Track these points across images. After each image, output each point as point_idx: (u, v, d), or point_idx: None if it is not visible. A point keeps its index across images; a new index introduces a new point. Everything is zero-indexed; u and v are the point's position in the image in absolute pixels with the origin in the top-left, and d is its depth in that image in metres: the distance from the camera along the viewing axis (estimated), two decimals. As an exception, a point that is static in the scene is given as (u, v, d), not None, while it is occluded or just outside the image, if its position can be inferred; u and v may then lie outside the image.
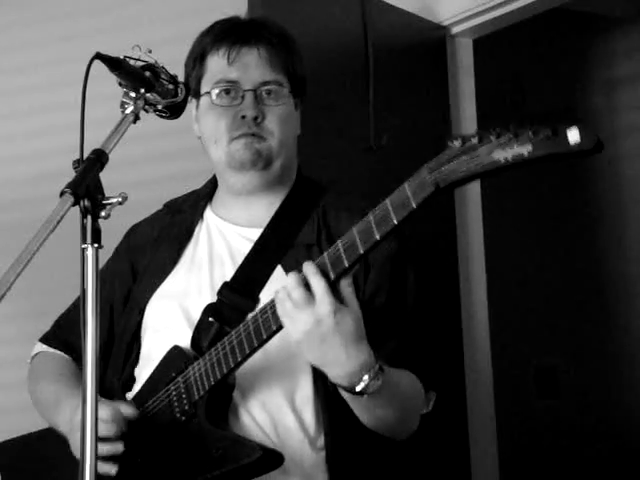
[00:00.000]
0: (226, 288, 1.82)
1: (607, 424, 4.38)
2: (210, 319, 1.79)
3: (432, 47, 3.50)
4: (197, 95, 1.92)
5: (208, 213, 1.98)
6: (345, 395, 1.67)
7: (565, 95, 4.61)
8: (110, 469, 1.78)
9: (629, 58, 4.44)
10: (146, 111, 1.67)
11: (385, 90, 3.20)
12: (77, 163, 1.51)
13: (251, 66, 1.87)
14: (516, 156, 1.37)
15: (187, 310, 1.86)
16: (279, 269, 1.82)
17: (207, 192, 2.01)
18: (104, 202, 1.48)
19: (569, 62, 4.62)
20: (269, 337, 1.66)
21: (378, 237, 1.52)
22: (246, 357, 1.70)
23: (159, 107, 1.69)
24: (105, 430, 1.75)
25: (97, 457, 1.42)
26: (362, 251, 1.54)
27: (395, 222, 1.50)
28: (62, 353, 2.04)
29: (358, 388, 1.62)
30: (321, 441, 1.80)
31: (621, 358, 4.41)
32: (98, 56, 1.57)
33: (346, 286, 1.59)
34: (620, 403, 4.37)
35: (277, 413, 1.79)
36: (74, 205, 1.45)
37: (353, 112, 3.12)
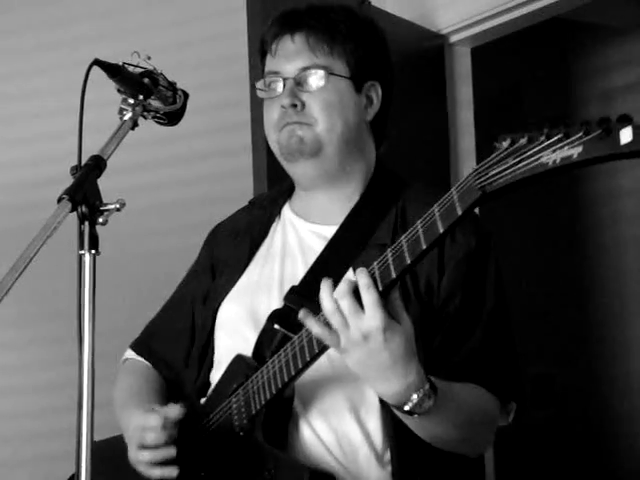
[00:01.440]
0: (293, 293, 1.72)
1: (604, 433, 4.38)
2: (275, 326, 1.70)
3: (430, 55, 3.50)
4: None
5: (285, 210, 1.90)
6: (396, 412, 1.57)
7: (562, 104, 4.61)
8: (171, 472, 1.73)
9: (626, 68, 4.45)
10: (144, 117, 1.66)
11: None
12: (75, 169, 1.50)
13: (290, 54, 1.81)
14: (565, 158, 1.28)
15: (256, 311, 1.78)
16: (351, 272, 1.70)
17: (287, 188, 1.93)
18: (102, 208, 1.47)
19: (566, 71, 4.63)
20: (322, 350, 1.57)
21: (424, 246, 1.44)
22: (301, 370, 1.61)
23: (157, 114, 1.69)
24: (155, 439, 1.71)
25: (91, 459, 1.42)
26: (409, 261, 1.46)
27: (441, 231, 1.42)
28: (146, 361, 1.99)
29: (406, 408, 1.53)
30: (388, 455, 1.69)
31: (618, 367, 4.41)
32: (97, 62, 1.56)
33: (395, 299, 1.50)
34: (616, 412, 4.37)
35: (341, 426, 1.69)
36: (72, 211, 1.45)
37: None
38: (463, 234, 1.74)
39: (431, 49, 3.50)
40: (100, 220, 1.47)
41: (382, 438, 1.69)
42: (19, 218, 3.14)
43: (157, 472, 1.75)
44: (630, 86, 4.42)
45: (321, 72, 1.79)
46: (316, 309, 1.57)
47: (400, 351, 1.49)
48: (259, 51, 1.88)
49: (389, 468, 1.69)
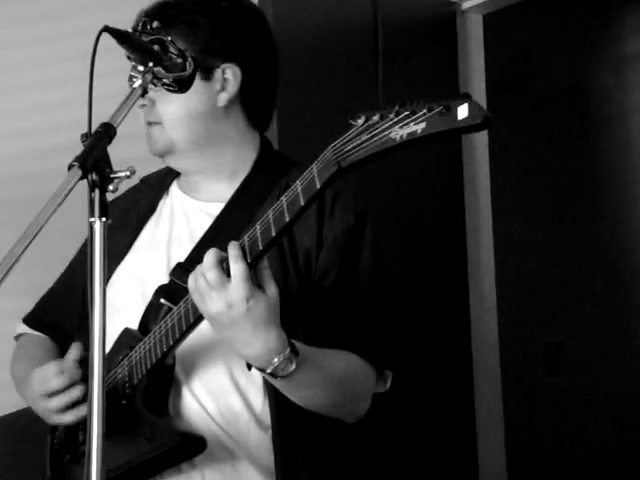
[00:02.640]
0: (179, 269, 1.78)
1: (614, 402, 4.38)
2: (161, 300, 1.78)
3: (442, 23, 3.49)
4: None
5: (174, 188, 1.97)
6: (264, 376, 1.67)
7: (575, 72, 4.58)
8: (83, 410, 1.75)
9: (640, 35, 4.41)
10: (154, 85, 1.65)
11: (394, 66, 3.18)
12: (85, 137, 1.50)
13: None
14: (410, 134, 1.38)
15: (144, 291, 1.85)
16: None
17: None
18: (112, 176, 1.47)
19: (579, 39, 4.59)
20: (197, 320, 1.65)
21: (288, 219, 1.52)
22: (179, 339, 1.69)
23: (167, 81, 1.68)
24: (58, 383, 1.76)
25: (103, 444, 1.41)
26: (274, 234, 1.54)
27: (302, 204, 1.50)
28: (41, 334, 2.06)
29: (268, 370, 1.62)
30: (269, 420, 1.78)
31: (628, 335, 4.40)
32: (106, 29, 1.56)
33: (263, 269, 1.58)
34: (627, 381, 4.37)
35: (221, 393, 1.78)
36: (82, 178, 1.44)
37: (362, 88, 3.11)
38: (342, 211, 1.81)
39: (443, 16, 3.49)
40: (110, 187, 1.46)
41: (262, 403, 1.77)
42: (29, 186, 3.14)
43: (69, 416, 1.79)
44: (644, 53, 4.38)
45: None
46: None
47: (262, 319, 1.58)
48: None
49: (270, 431, 1.77)
